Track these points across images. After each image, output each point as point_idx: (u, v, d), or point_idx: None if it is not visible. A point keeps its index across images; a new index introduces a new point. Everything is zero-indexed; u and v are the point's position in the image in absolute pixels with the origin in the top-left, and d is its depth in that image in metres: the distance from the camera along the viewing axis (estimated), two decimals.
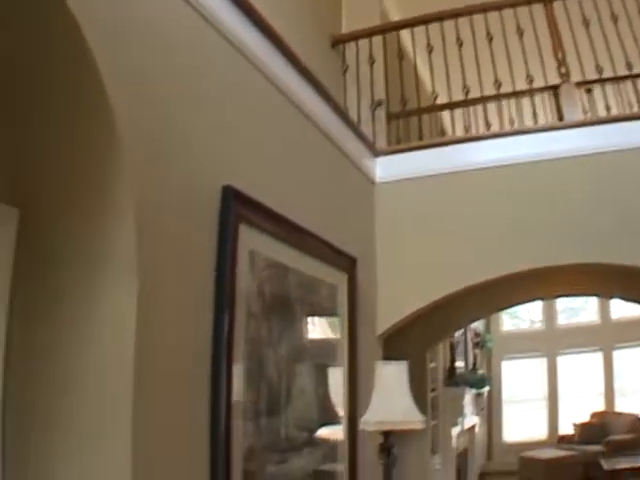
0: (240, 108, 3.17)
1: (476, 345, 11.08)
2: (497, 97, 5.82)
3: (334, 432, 4.05)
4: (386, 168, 4.98)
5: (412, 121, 5.97)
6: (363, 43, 5.33)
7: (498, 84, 5.12)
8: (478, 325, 11.10)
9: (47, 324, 2.60)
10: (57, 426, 2.46)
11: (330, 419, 4.02)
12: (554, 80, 5.63)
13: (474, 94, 5.38)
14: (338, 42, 5.39)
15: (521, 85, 5.45)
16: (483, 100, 5.72)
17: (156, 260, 2.46)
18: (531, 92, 6.17)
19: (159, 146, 2.55)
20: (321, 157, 4.12)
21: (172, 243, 2.57)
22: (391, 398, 3.92)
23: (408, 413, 3.94)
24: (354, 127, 4.56)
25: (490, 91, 5.37)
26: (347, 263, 4.22)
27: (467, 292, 4.83)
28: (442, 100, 5.80)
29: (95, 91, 2.25)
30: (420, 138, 5.47)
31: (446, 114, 7.23)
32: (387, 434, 4.04)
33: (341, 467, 4.06)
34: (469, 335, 10.24)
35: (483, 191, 4.76)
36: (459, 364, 8.88)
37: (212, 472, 2.68)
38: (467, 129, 6.12)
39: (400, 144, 5.75)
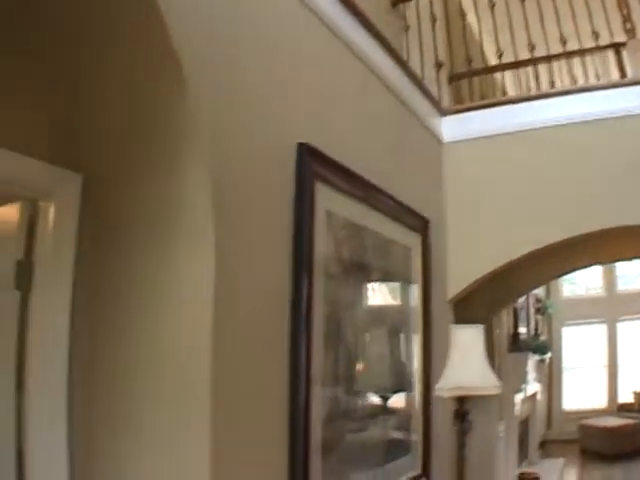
0: (313, 67, 3.05)
1: (537, 311, 10.91)
2: (561, 55, 5.64)
3: (408, 399, 3.96)
4: (453, 128, 4.82)
5: (472, 82, 5.81)
6: (423, 2, 5.16)
7: (563, 41, 4.94)
8: (539, 291, 10.92)
9: (114, 291, 2.54)
10: (130, 395, 2.43)
11: (404, 386, 3.92)
12: (616, 37, 5.42)
13: (530, 53, 5.19)
14: (398, 1, 5.22)
15: (582, 43, 5.27)
16: (548, 59, 5.54)
17: (232, 222, 2.36)
18: (598, 49, 5.98)
19: (232, 104, 2.44)
20: (390, 116, 3.99)
21: (248, 202, 2.47)
22: (467, 363, 3.81)
23: (484, 378, 3.84)
24: (421, 86, 4.41)
25: (554, 49, 5.19)
26: (420, 224, 4.10)
27: (533, 256, 4.68)
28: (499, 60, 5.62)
29: (163, 47, 2.15)
30: (482, 99, 5.32)
31: (508, 74, 7.04)
32: (462, 400, 3.94)
33: (415, 433, 3.96)
34: (531, 301, 10.09)
35: (552, 150, 4.58)
36: (521, 330, 8.74)
37: (291, 440, 2.61)
38: (529, 88, 5.96)
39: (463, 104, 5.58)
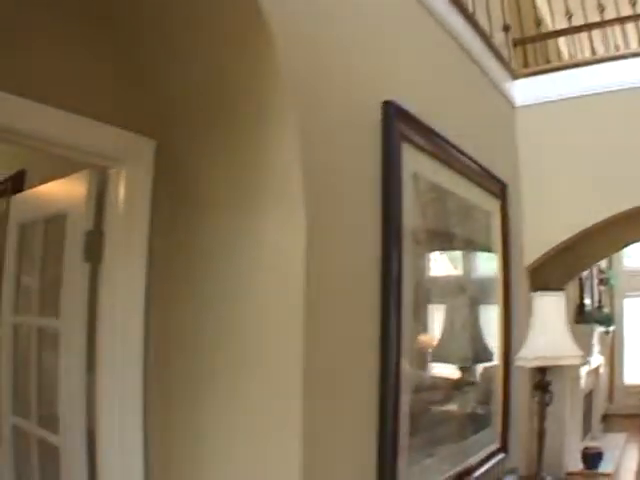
0: (393, 25, 2.91)
1: (600, 282, 10.66)
2: (631, 18, 5.42)
3: (489, 370, 3.83)
4: (524, 91, 4.67)
5: (536, 46, 5.62)
6: None
7: (633, 2, 4.74)
8: (601, 261, 10.65)
9: (194, 261, 2.45)
10: (213, 369, 2.36)
11: (485, 356, 3.79)
12: None
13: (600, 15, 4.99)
14: None
15: None
16: (620, 21, 5.32)
17: (321, 185, 2.24)
18: None
19: (318, 61, 2.31)
20: (467, 78, 3.85)
21: (336, 163, 2.35)
22: (549, 332, 3.68)
23: (567, 348, 3.71)
24: (494, 49, 4.24)
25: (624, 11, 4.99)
26: (498, 189, 3.95)
27: (607, 223, 4.50)
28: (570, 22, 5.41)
29: (248, 5, 2.03)
30: (547, 62, 5.14)
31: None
32: (543, 370, 3.81)
33: (495, 405, 3.84)
34: (594, 272, 9.85)
35: (629, 113, 4.40)
36: (586, 301, 8.53)
37: (380, 411, 2.51)
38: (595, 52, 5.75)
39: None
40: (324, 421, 2.19)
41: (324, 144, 2.27)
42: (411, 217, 2.75)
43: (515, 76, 4.67)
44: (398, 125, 2.66)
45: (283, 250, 2.17)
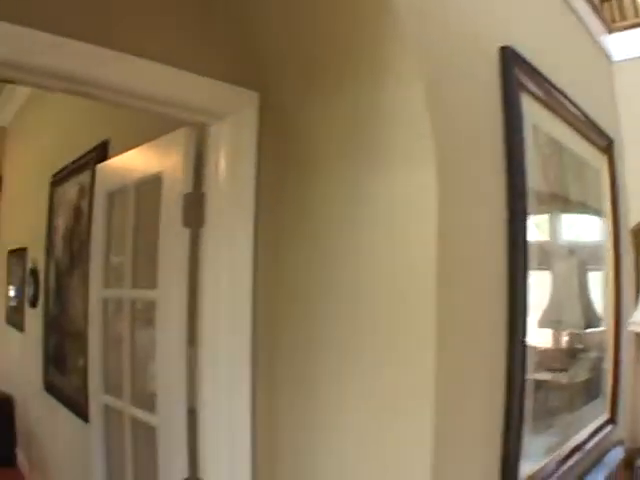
0: None
1: None
2: None
3: (600, 336, 3.62)
4: (621, 46, 4.42)
5: (623, 3, 5.34)
6: None
7: None
8: None
9: (306, 222, 2.30)
10: (331, 341, 2.21)
11: (595, 321, 3.58)
12: None
13: None
14: None
15: None
16: None
17: (448, 139, 2.03)
18: None
19: (436, 5, 2.11)
20: (570, 30, 3.63)
21: (458, 116, 2.15)
22: None
23: None
24: (591, 2, 3.99)
25: None
26: (605, 144, 3.71)
27: None
28: None
29: None
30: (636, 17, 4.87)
31: None
32: None
33: (605, 373, 3.63)
34: None
35: None
36: None
37: (508, 376, 2.33)
38: None
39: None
40: (455, 386, 2.03)
41: (446, 94, 2.09)
42: (534, 174, 2.54)
43: (611, 30, 4.41)
44: (517, 73, 2.45)
45: (411, 210, 1.99)
